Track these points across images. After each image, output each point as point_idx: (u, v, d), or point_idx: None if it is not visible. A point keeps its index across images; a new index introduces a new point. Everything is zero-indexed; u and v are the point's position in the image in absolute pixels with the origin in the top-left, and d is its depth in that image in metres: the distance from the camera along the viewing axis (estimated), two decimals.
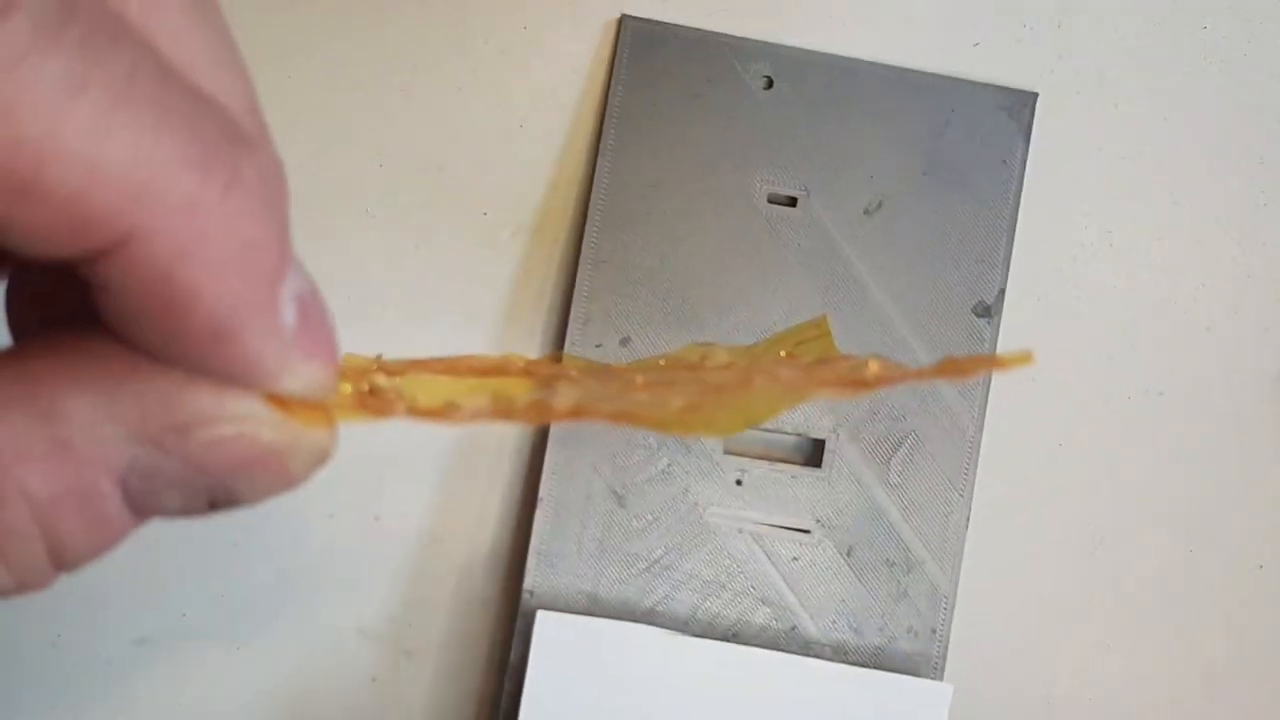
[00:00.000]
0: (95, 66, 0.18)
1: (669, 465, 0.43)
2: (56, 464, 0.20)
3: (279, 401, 0.22)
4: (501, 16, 0.45)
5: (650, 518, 0.43)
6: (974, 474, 0.44)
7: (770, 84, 0.44)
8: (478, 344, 0.44)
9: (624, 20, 0.44)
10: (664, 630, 0.42)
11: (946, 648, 0.44)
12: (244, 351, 0.21)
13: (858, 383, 0.25)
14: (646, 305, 0.43)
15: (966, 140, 0.45)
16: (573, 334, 0.43)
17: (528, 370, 0.26)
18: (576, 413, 0.25)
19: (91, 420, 0.21)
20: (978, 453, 0.44)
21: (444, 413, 0.25)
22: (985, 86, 0.45)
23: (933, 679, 0.43)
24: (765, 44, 0.44)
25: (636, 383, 0.26)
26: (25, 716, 0.42)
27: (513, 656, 0.41)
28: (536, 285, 0.44)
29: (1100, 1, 0.47)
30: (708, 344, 0.28)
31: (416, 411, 0.25)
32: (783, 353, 0.28)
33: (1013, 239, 0.45)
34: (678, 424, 0.26)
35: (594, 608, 0.42)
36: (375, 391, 0.24)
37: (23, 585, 0.21)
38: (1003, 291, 0.45)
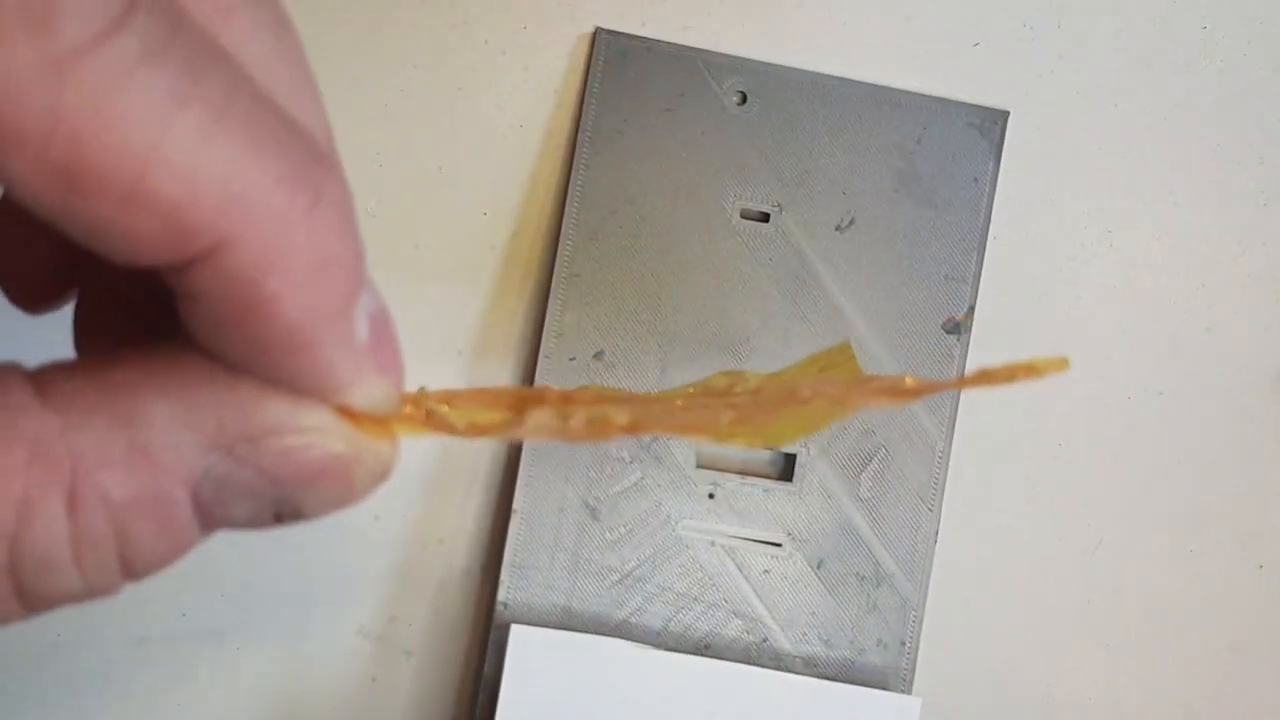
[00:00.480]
0: (197, 85, 0.20)
1: (641, 478, 0.43)
2: (134, 469, 0.21)
3: (346, 415, 0.23)
4: (501, 17, 0.45)
5: (623, 530, 0.43)
6: (943, 488, 0.44)
7: (744, 99, 0.44)
8: (456, 352, 0.44)
9: (598, 34, 0.44)
10: (637, 644, 0.42)
11: (915, 661, 0.44)
12: (319, 362, 0.22)
13: (899, 393, 0.26)
14: (620, 320, 0.43)
15: (938, 157, 0.44)
16: (546, 347, 0.43)
17: (566, 399, 0.27)
18: (633, 428, 0.26)
19: (170, 427, 0.22)
20: (946, 468, 0.44)
21: (506, 427, 0.26)
22: (956, 104, 0.45)
23: (901, 692, 0.43)
24: (739, 59, 0.44)
25: (677, 405, 0.27)
26: (26, 716, 0.43)
27: (486, 669, 0.42)
28: (512, 298, 0.44)
29: (1100, 1, 0.46)
30: (735, 371, 0.28)
31: (477, 428, 0.26)
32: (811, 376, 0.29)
33: (983, 256, 0.44)
34: (730, 435, 0.26)
35: (568, 620, 0.43)
36: (431, 414, 0.25)
37: (92, 591, 0.22)
38: (972, 308, 0.44)
